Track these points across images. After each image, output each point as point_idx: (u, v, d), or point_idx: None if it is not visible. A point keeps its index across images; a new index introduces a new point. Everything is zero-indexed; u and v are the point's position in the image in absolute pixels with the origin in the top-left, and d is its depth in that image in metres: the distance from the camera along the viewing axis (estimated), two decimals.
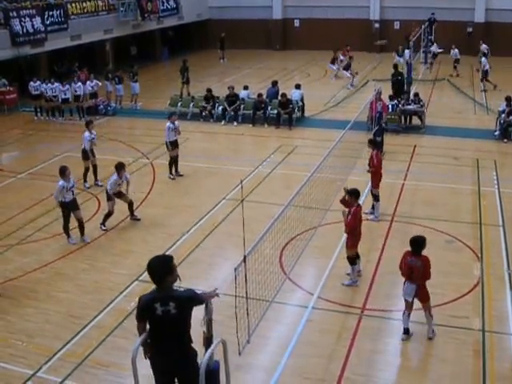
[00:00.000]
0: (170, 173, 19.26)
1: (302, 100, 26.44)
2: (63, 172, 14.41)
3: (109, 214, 15.59)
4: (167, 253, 13.98)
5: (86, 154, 18.41)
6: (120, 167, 15.48)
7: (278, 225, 10.10)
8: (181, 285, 7.63)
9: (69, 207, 14.67)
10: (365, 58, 39.97)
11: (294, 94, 26.28)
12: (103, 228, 15.53)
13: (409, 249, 10.35)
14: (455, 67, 34.99)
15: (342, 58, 34.91)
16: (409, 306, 10.52)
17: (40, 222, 16.10)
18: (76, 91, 26.94)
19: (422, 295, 10.39)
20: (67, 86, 26.95)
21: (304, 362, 10.08)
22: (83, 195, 17.74)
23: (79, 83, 27.29)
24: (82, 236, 14.98)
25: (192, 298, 7.39)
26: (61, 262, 13.89)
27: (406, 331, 10.62)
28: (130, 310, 11.62)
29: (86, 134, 18.27)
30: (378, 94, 20.45)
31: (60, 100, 26.90)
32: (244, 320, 8.51)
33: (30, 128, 26.07)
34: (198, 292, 7.61)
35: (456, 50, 35.12)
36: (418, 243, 10.26)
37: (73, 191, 14.65)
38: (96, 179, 18.63)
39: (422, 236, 10.50)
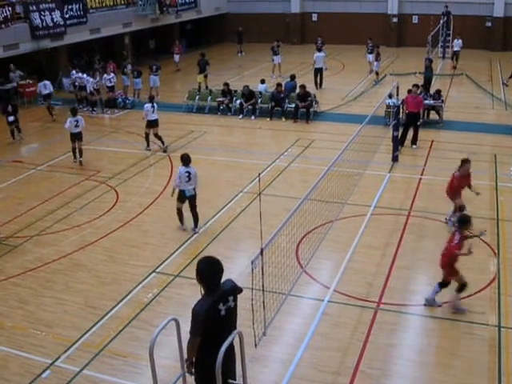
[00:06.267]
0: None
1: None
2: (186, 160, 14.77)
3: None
4: (184, 245, 14.14)
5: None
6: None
7: (294, 218, 10.15)
8: None
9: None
10: (383, 52, 39.71)
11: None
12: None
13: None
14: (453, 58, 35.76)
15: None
16: None
17: (59, 213, 16.27)
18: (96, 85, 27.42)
19: None
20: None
21: (319, 354, 10.13)
22: (102, 188, 17.91)
23: (97, 77, 27.71)
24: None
25: (237, 285, 7.32)
26: (79, 254, 14.02)
27: None
28: (148, 302, 11.77)
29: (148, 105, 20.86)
30: (416, 88, 20.46)
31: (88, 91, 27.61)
32: (260, 312, 8.57)
33: (49, 121, 26.21)
34: None
35: (460, 41, 35.65)
36: None
37: None
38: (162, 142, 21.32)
39: None
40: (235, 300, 7.22)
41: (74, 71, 28.43)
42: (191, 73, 34.05)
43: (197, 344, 7.05)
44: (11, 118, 23.06)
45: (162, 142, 21.23)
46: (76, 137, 19.92)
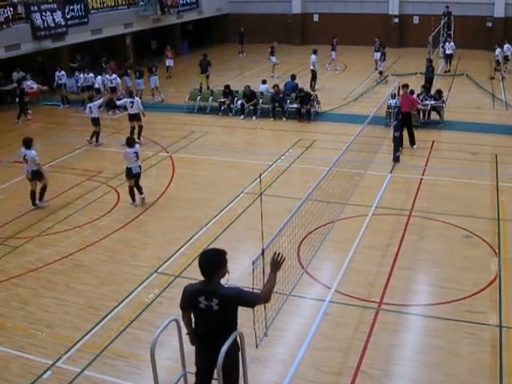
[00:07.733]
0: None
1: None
2: None
3: None
4: (186, 245, 14.14)
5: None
6: None
7: (295, 219, 10.14)
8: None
9: None
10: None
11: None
12: None
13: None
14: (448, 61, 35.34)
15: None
16: None
17: (60, 214, 16.27)
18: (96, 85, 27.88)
19: None
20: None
21: (321, 355, 10.11)
22: (103, 188, 17.92)
23: (98, 77, 28.03)
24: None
25: (238, 297, 7.16)
26: (80, 254, 14.01)
27: None
28: (149, 302, 11.77)
29: (127, 100, 22.70)
30: (406, 88, 20.41)
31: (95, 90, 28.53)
32: (261, 313, 8.55)
33: (52, 121, 26.28)
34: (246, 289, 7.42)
35: (452, 44, 35.44)
36: None
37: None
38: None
39: None
40: (221, 306, 7.06)
41: (61, 72, 29.32)
42: (190, 74, 34.09)
43: (184, 317, 7.52)
44: (18, 100, 26.23)
45: (139, 135, 22.32)
46: (93, 122, 22.37)
